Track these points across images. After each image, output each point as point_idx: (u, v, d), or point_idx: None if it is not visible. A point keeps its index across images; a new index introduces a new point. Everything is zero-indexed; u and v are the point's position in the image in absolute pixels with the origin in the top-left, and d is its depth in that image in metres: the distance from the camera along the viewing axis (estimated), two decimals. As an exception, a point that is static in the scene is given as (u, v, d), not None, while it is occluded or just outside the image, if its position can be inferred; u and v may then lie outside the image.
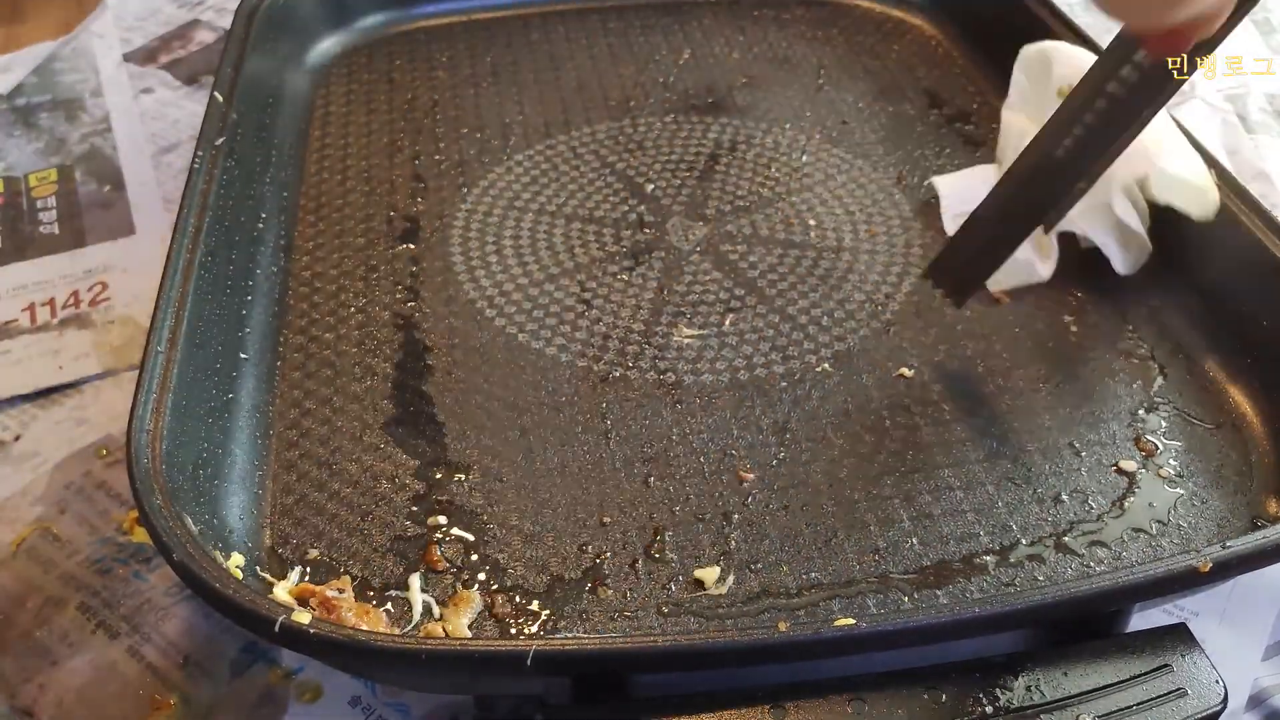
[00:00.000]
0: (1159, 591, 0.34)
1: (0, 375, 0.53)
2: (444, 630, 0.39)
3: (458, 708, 0.40)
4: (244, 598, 0.33)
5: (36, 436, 0.51)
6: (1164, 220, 0.53)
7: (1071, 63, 0.53)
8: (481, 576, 0.41)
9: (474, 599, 0.40)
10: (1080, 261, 0.52)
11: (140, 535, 0.46)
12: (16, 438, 0.51)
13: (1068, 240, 0.52)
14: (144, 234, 0.62)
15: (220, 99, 0.56)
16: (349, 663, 0.35)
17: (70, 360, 0.54)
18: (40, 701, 0.41)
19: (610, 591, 0.40)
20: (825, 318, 0.51)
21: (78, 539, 0.46)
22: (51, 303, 0.58)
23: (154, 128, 0.70)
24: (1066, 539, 0.42)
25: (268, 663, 0.42)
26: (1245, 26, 0.78)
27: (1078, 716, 0.32)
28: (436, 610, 0.39)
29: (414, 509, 0.43)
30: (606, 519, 0.42)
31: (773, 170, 0.60)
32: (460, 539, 0.42)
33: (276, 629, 0.33)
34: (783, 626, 0.32)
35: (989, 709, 0.32)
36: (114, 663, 0.42)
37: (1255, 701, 0.41)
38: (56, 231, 0.63)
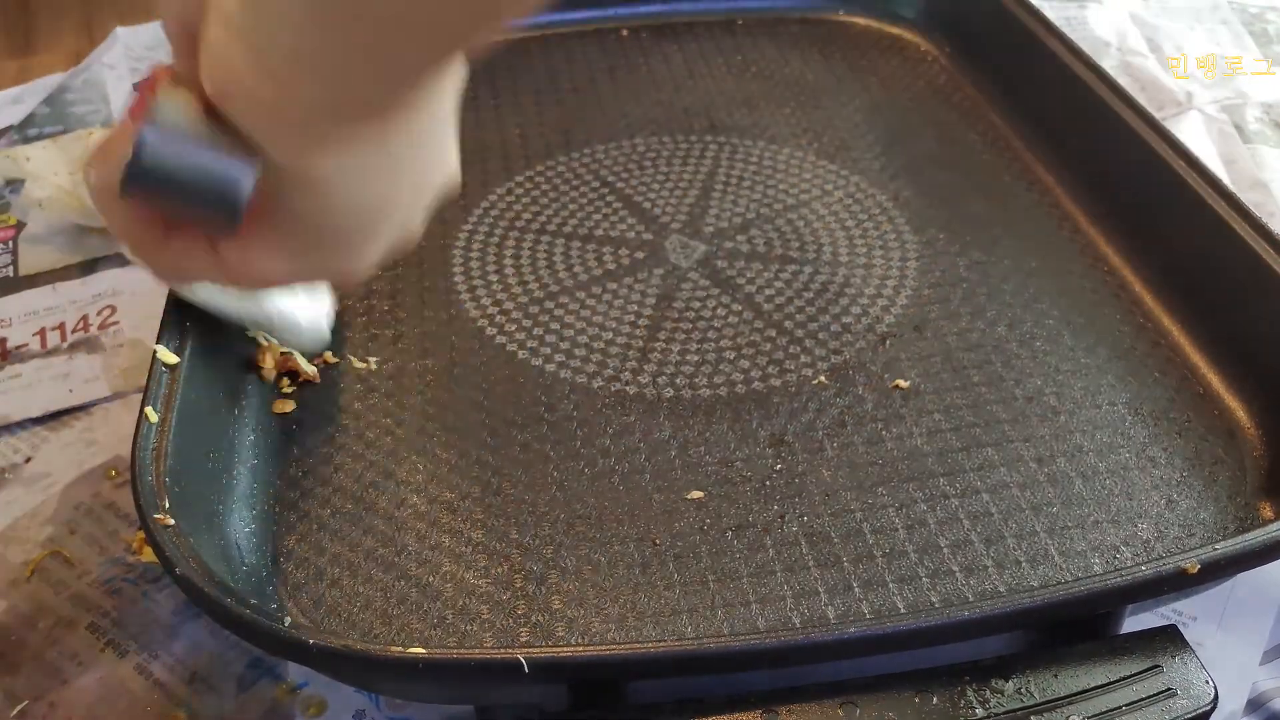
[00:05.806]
0: (1148, 593, 0.35)
1: (12, 399, 0.54)
2: None
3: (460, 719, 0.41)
4: (245, 611, 0.34)
5: (47, 458, 0.52)
6: (1158, 227, 0.54)
7: None
8: (482, 589, 0.41)
9: None
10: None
11: (149, 555, 0.46)
12: (28, 460, 0.52)
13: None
14: (153, 260, 0.63)
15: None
16: (347, 673, 0.36)
17: (80, 383, 0.55)
18: None
19: (608, 602, 0.40)
20: (822, 331, 0.52)
21: (88, 559, 0.47)
22: (61, 327, 0.59)
23: (163, 156, 0.71)
24: (1060, 544, 0.42)
25: (273, 678, 0.43)
26: (1242, 37, 0.79)
27: (1068, 717, 0.32)
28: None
29: (415, 523, 0.44)
30: (605, 532, 0.43)
31: (770, 187, 0.61)
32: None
33: (276, 641, 0.33)
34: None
35: (979, 711, 0.32)
36: (123, 680, 0.43)
37: (1255, 705, 0.42)
38: (67, 258, 0.64)
